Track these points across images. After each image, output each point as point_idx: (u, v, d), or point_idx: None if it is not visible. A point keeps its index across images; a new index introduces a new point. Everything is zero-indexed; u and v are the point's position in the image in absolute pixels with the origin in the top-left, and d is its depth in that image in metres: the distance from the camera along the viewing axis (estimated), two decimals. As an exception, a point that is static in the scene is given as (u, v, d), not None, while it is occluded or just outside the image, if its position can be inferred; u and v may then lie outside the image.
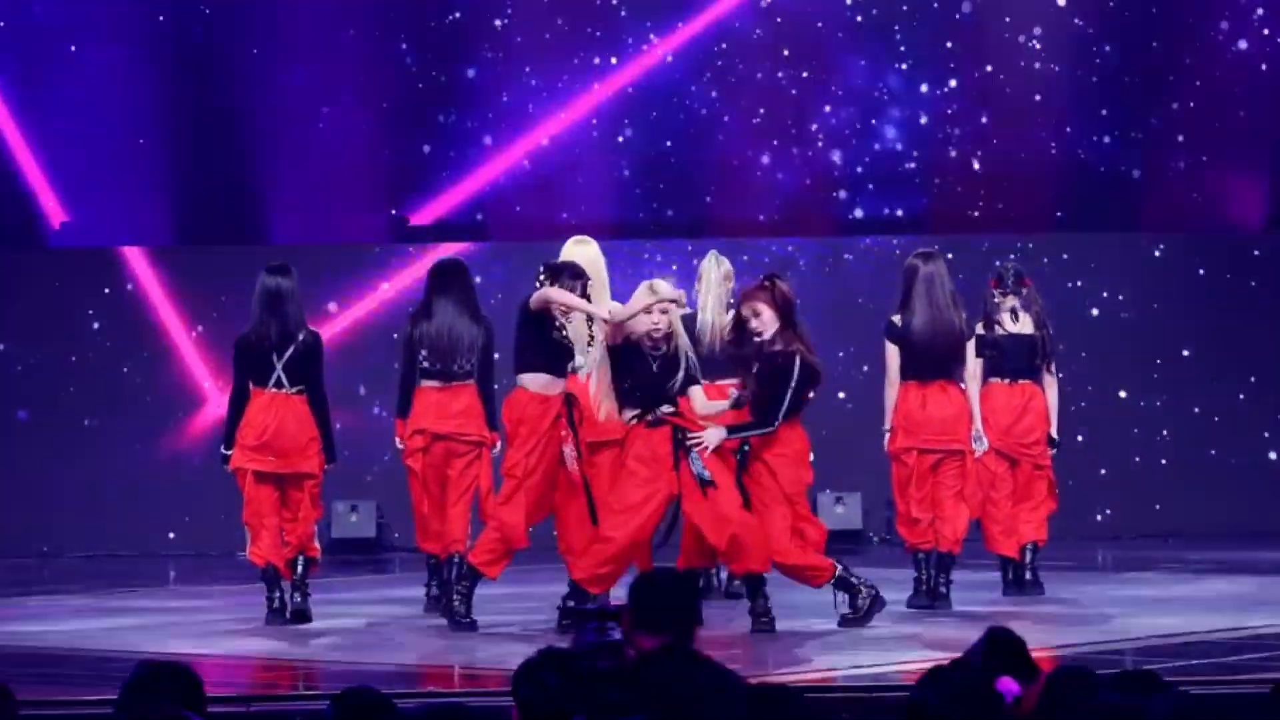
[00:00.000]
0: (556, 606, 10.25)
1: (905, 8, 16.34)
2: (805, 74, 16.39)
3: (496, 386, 11.24)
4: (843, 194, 16.48)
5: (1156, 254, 16.31)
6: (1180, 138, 16.38)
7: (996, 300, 11.71)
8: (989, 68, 16.40)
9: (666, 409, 10.03)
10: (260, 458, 10.81)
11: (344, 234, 16.37)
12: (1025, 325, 11.70)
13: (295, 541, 10.85)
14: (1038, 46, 16.33)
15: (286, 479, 10.89)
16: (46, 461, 15.84)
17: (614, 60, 16.39)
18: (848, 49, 16.40)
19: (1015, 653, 5.22)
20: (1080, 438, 15.07)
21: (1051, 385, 11.78)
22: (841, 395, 14.90)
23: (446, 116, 16.41)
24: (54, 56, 16.20)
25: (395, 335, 12.66)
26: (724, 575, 11.48)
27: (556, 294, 10.14)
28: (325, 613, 10.98)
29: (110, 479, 15.79)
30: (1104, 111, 16.38)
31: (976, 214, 16.37)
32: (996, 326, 11.65)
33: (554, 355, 10.31)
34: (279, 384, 10.84)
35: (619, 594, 9.49)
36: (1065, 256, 16.07)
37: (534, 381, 10.29)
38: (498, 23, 16.32)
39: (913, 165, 16.43)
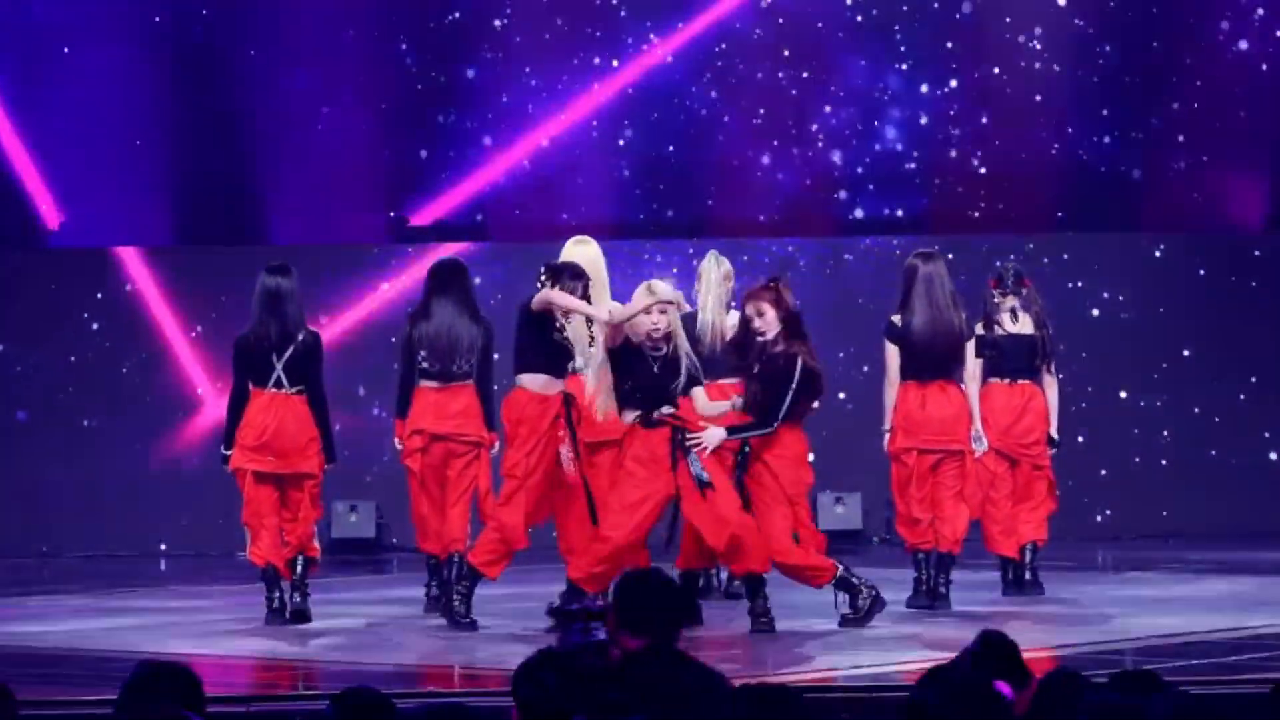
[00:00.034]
0: (547, 609, 10.26)
1: (905, 8, 16.33)
2: (805, 74, 16.38)
3: (496, 387, 11.24)
4: (843, 194, 16.48)
5: (1156, 254, 16.31)
6: (1180, 138, 16.37)
7: (996, 300, 11.71)
8: (989, 68, 16.40)
9: (666, 409, 10.02)
10: (260, 458, 10.81)
11: (344, 234, 16.37)
12: (1025, 325, 11.69)
13: (295, 541, 10.85)
14: (1038, 46, 16.33)
15: (286, 479, 10.88)
16: (45, 462, 15.84)
17: (615, 63, 16.38)
18: (848, 49, 16.40)
19: (1007, 656, 5.22)
20: (1080, 438, 15.07)
21: (1052, 385, 11.78)
22: (841, 395, 14.89)
23: (446, 117, 16.41)
24: (54, 57, 16.19)
25: (394, 340, 12.64)
26: (724, 575, 11.47)
27: (558, 297, 10.15)
28: (325, 613, 10.97)
29: (109, 479, 15.79)
30: (1104, 111, 16.38)
31: (977, 214, 16.36)
32: (996, 327, 11.65)
33: (554, 356, 10.33)
34: (279, 384, 10.84)
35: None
36: (1065, 256, 16.07)
37: (533, 382, 10.30)
38: (497, 23, 16.32)
39: (913, 165, 16.43)
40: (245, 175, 16.27)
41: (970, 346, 11.29)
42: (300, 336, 10.87)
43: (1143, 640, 9.64)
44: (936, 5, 16.31)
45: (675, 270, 14.58)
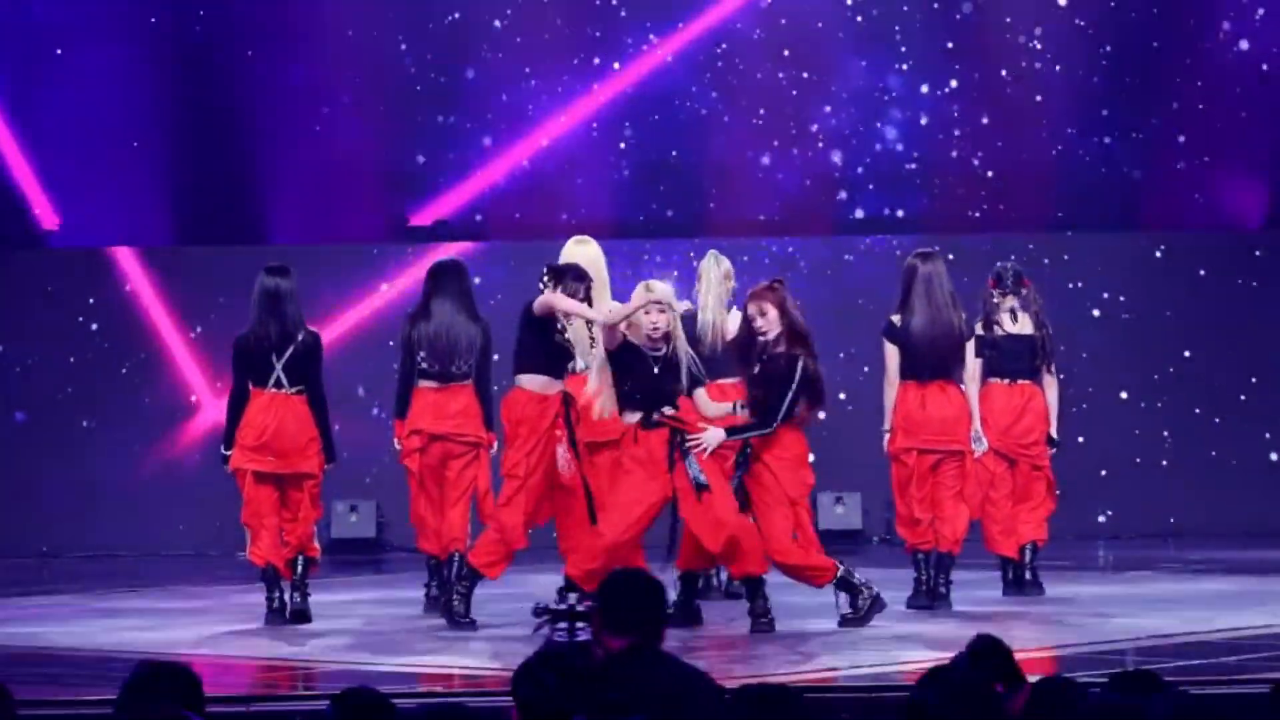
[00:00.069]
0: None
1: (905, 8, 16.34)
2: (805, 75, 16.38)
3: (495, 387, 11.24)
4: (843, 194, 16.49)
5: (1157, 254, 16.31)
6: (1180, 138, 16.38)
7: (996, 300, 11.70)
8: (989, 68, 16.40)
9: (666, 410, 10.02)
10: (260, 458, 10.81)
11: (344, 234, 16.37)
12: (1025, 326, 11.69)
13: (295, 542, 10.85)
14: (1038, 46, 16.33)
15: (286, 479, 10.88)
16: (45, 462, 15.84)
17: (615, 65, 16.38)
18: (848, 50, 16.40)
19: (1001, 660, 5.22)
20: (1080, 438, 15.07)
21: (1052, 385, 11.77)
22: (842, 396, 14.89)
23: (446, 117, 16.41)
24: (52, 57, 16.20)
25: (391, 343, 12.63)
26: (724, 575, 11.47)
27: (560, 301, 10.15)
28: (325, 613, 10.97)
29: (109, 480, 15.80)
30: (1104, 111, 16.39)
31: (977, 214, 16.36)
32: (996, 327, 11.65)
33: (554, 357, 10.33)
34: (278, 384, 10.84)
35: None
36: (1065, 256, 16.07)
37: (533, 382, 10.30)
38: (497, 23, 16.32)
39: (913, 166, 16.43)
40: (244, 175, 16.27)
41: (970, 346, 11.28)
42: (300, 336, 10.87)
43: (1143, 640, 9.63)
44: (936, 5, 16.32)
45: (675, 271, 14.58)
